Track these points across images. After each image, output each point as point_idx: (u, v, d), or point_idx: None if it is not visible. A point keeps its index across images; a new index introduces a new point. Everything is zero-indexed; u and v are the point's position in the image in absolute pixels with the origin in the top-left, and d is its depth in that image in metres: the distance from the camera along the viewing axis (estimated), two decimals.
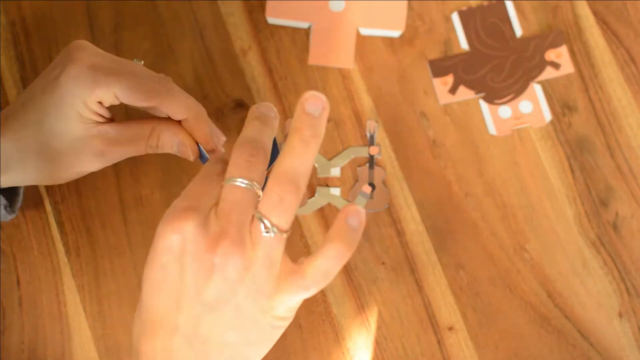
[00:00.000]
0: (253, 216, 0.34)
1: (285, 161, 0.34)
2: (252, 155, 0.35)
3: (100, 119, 0.43)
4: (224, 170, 0.36)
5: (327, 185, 0.53)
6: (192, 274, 0.34)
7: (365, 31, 0.55)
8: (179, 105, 0.43)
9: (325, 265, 0.34)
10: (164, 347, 0.35)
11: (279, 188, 0.34)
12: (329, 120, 0.54)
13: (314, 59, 0.54)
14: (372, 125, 0.53)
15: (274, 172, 0.34)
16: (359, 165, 0.53)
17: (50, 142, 0.42)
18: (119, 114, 0.53)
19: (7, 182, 0.43)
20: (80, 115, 0.42)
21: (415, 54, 0.55)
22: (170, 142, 0.44)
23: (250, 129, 0.36)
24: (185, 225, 0.34)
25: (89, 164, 0.44)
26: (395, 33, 0.55)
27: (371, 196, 0.52)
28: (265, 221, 0.34)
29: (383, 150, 0.53)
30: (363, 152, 0.53)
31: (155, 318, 0.35)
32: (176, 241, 0.34)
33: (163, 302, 0.35)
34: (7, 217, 0.47)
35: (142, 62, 0.44)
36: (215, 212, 0.35)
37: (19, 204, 0.48)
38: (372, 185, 0.53)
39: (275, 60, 0.55)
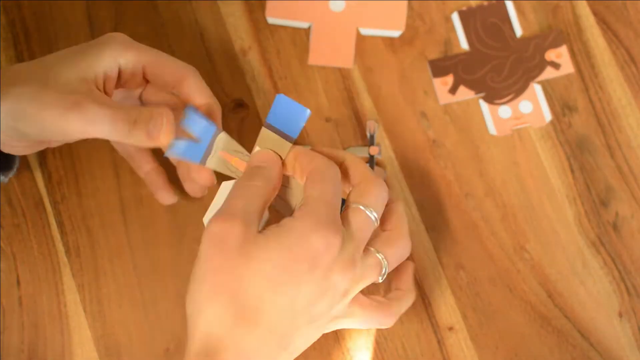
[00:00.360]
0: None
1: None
2: (384, 196, 0.41)
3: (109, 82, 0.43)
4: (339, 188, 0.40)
5: None
6: (319, 286, 0.37)
7: (365, 31, 0.55)
8: (205, 90, 0.44)
9: (402, 308, 0.44)
10: (259, 347, 0.36)
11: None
12: (329, 120, 0.54)
13: (314, 59, 0.54)
14: (372, 125, 0.53)
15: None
16: None
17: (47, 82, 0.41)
18: None
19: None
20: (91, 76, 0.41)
21: (415, 54, 0.55)
22: (149, 113, 0.42)
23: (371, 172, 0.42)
24: (334, 238, 0.37)
25: (69, 121, 0.41)
26: (396, 33, 0.55)
27: None
28: (381, 256, 0.41)
29: (383, 150, 0.53)
30: (363, 152, 0.53)
31: (259, 317, 0.36)
32: (322, 254, 0.37)
33: (277, 303, 0.37)
34: (4, 180, 0.47)
35: None
36: (350, 235, 0.39)
37: (16, 163, 0.48)
38: None
39: (275, 60, 0.55)
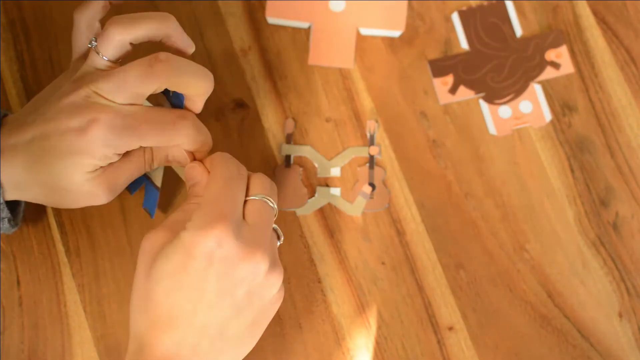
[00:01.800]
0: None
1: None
2: (271, 183, 0.43)
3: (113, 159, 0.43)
4: (243, 182, 0.42)
5: (327, 185, 0.53)
6: (226, 278, 0.39)
7: (365, 31, 0.55)
8: (185, 140, 0.44)
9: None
10: (183, 342, 0.39)
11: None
12: (329, 121, 0.54)
13: (314, 59, 0.54)
14: (372, 125, 0.53)
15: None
16: (359, 165, 0.53)
17: (58, 184, 0.42)
18: None
19: (17, 195, 0.43)
20: (89, 169, 0.42)
21: (415, 54, 0.55)
22: (162, 155, 0.45)
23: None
24: (224, 233, 0.38)
25: (98, 200, 0.44)
26: (396, 33, 0.55)
27: (371, 196, 0.52)
28: (278, 228, 0.43)
29: (383, 150, 0.53)
30: (363, 152, 0.53)
31: (174, 314, 0.39)
32: (213, 247, 0.38)
33: (187, 301, 0.39)
34: (9, 230, 0.47)
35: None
36: (247, 222, 0.41)
37: (21, 214, 0.48)
38: (372, 185, 0.53)
39: (275, 60, 0.55)
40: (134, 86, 0.41)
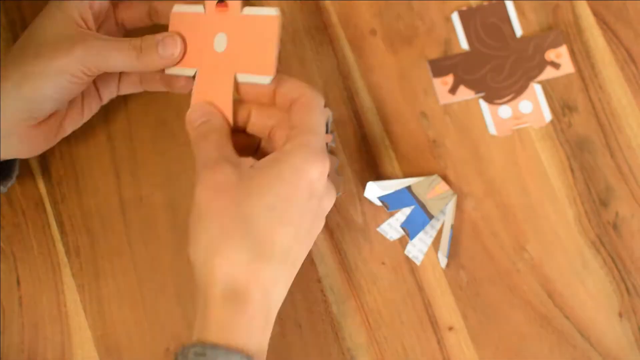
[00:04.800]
0: None
1: None
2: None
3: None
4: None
5: None
6: (316, 212, 0.40)
7: (241, 77, 0.44)
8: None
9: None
10: (277, 276, 0.39)
11: None
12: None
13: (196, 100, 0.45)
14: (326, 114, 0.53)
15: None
16: None
17: (36, 37, 0.43)
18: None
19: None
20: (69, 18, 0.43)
21: (415, 54, 0.55)
22: (154, 38, 0.44)
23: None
24: (325, 167, 0.40)
25: (71, 56, 0.43)
26: (266, 79, 0.43)
27: None
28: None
29: (383, 150, 0.53)
30: None
31: (275, 249, 0.38)
32: (315, 180, 0.39)
33: (288, 236, 0.39)
34: (6, 187, 0.48)
35: None
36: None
37: (16, 171, 0.48)
38: None
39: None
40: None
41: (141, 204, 0.52)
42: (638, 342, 0.50)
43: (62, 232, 0.51)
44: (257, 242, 0.38)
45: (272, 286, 0.39)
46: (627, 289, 0.51)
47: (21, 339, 0.49)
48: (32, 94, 0.43)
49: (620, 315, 0.51)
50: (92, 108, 0.49)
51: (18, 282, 0.50)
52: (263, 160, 0.40)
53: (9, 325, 0.49)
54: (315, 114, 0.41)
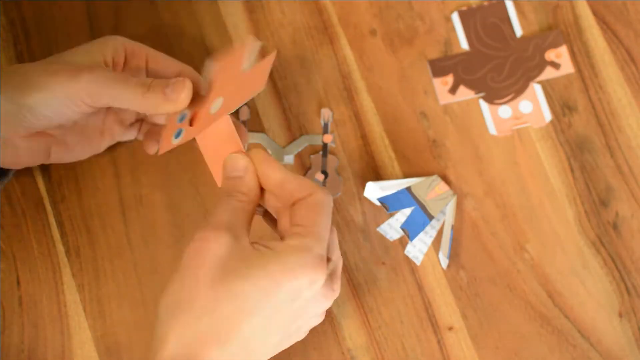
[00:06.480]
0: None
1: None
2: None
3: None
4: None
5: None
6: (298, 315, 0.39)
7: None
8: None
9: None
10: (230, 358, 0.37)
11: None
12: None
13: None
14: (326, 114, 0.54)
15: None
16: (312, 153, 0.53)
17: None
18: None
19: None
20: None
21: (415, 54, 0.55)
22: (165, 80, 0.43)
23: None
24: (320, 278, 0.38)
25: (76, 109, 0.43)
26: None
27: (324, 184, 0.52)
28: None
29: (383, 150, 0.53)
30: (317, 141, 0.53)
31: (234, 334, 0.37)
32: (304, 287, 0.38)
33: (254, 326, 0.37)
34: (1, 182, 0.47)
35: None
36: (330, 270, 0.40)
37: (12, 170, 0.48)
38: (324, 173, 0.53)
39: (275, 60, 0.55)
40: None
41: (141, 204, 0.52)
42: (638, 342, 0.50)
43: (62, 232, 0.51)
44: (217, 325, 0.36)
45: None
46: (627, 289, 0.51)
47: (21, 339, 0.49)
48: (23, 100, 0.42)
49: (620, 315, 0.51)
50: (80, 151, 0.48)
51: (18, 282, 0.50)
52: (263, 245, 0.38)
53: (9, 325, 0.49)
54: (325, 218, 0.39)
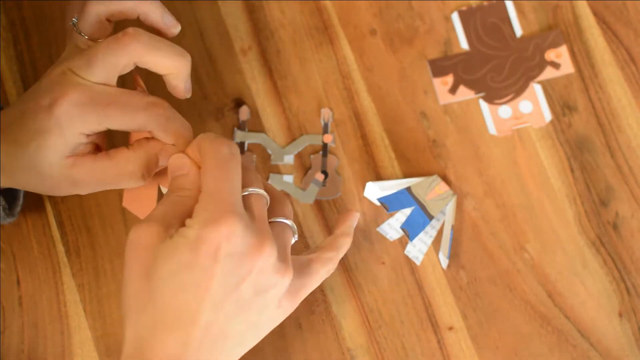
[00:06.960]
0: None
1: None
2: (256, 174, 0.41)
3: (85, 148, 0.42)
4: (238, 164, 0.39)
5: (280, 173, 0.53)
6: (232, 274, 0.37)
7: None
8: (169, 136, 0.43)
9: (339, 253, 0.44)
10: (187, 342, 0.37)
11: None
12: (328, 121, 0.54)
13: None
14: (326, 114, 0.54)
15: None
16: (312, 153, 0.53)
17: (37, 168, 0.42)
18: None
19: (6, 183, 0.43)
20: (63, 149, 0.41)
21: (415, 54, 0.55)
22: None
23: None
24: (232, 228, 0.36)
25: (80, 189, 0.43)
26: None
27: (324, 184, 0.52)
28: (293, 225, 0.41)
29: (383, 150, 0.53)
30: (317, 141, 0.53)
31: (179, 315, 0.37)
32: (221, 243, 0.36)
33: (193, 300, 0.37)
34: (6, 220, 0.47)
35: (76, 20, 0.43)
36: (252, 217, 0.38)
37: (18, 207, 0.48)
38: (325, 173, 0.53)
39: (275, 60, 0.55)
40: (103, 59, 0.40)
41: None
42: (638, 342, 0.50)
43: (62, 232, 0.51)
44: (161, 311, 0.37)
45: (182, 354, 0.37)
46: (627, 289, 0.51)
47: (21, 339, 0.49)
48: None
49: (620, 315, 0.51)
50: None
51: (18, 282, 0.50)
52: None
53: (9, 325, 0.49)
54: (212, 172, 0.38)
